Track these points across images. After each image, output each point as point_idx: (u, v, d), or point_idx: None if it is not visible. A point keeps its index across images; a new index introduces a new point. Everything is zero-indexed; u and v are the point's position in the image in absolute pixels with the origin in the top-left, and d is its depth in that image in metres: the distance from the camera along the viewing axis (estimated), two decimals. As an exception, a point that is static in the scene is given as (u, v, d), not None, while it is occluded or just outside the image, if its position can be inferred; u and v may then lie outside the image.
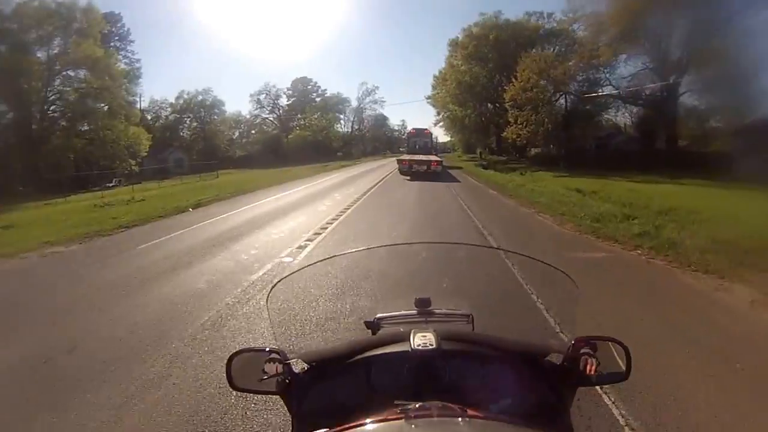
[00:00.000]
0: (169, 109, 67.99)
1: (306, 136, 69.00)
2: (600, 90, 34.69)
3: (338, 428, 0.87)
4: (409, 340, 1.14)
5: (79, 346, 4.61)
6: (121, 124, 41.11)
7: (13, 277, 8.21)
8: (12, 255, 9.71)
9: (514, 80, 35.41)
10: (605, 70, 34.22)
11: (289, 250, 8.73)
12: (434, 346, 1.12)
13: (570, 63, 34.32)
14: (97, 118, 40.00)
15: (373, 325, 1.50)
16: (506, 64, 45.10)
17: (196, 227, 12.13)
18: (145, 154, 43.58)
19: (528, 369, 1.16)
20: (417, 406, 0.85)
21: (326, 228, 11.05)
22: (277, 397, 1.20)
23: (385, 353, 1.19)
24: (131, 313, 5.54)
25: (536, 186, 18.53)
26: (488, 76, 45.81)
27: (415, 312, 1.45)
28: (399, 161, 28.39)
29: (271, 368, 1.14)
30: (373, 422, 0.86)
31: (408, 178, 25.53)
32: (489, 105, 49.82)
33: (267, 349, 1.18)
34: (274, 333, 1.62)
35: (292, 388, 1.18)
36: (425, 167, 26.21)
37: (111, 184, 37.92)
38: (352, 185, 22.70)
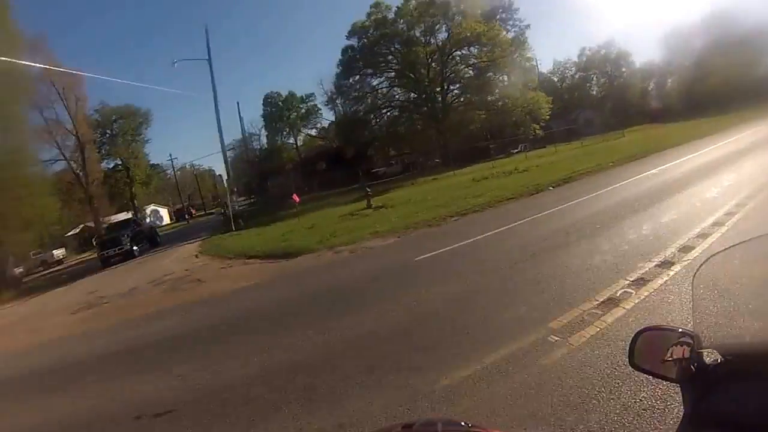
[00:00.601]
0: (573, 69, 66.91)
1: (739, 76, 49.93)
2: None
3: None
4: None
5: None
6: (518, 91, 41.91)
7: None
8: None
9: None
10: None
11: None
12: None
13: None
14: (491, 89, 41.97)
15: None
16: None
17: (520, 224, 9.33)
18: (548, 117, 42.91)
19: None
20: (421, 420, 0.82)
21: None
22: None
23: None
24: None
25: None
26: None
27: None
28: None
29: (678, 351, 1.04)
30: None
31: None
32: None
33: (680, 330, 1.09)
34: (693, 315, 1.27)
35: (694, 379, 1.03)
36: None
37: (516, 150, 40.30)
38: None
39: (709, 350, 1.05)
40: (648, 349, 1.11)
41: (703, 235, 5.86)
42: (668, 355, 1.05)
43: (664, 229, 6.58)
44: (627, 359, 1.14)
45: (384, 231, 11.30)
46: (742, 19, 62.06)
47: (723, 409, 0.97)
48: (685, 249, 5.46)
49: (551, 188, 13.52)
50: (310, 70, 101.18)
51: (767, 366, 0.96)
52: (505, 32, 46.04)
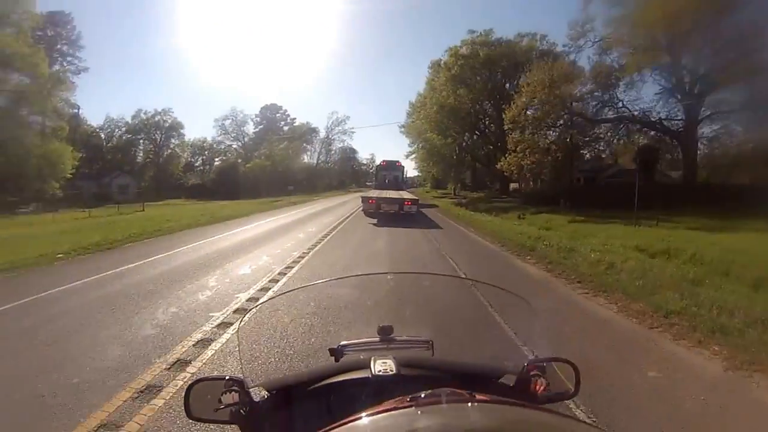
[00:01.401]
0: (123, 129, 63.63)
1: (265, 166, 63.01)
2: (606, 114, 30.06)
3: (348, 419, 0.84)
4: (370, 367, 1.21)
5: None
6: (37, 136, 34.29)
7: None
8: None
9: (514, 99, 29.94)
10: (618, 91, 29.16)
11: None
12: (393, 372, 1.19)
13: (580, 78, 29.09)
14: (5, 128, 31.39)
15: (337, 352, 1.44)
16: (496, 87, 41.23)
17: None
18: (70, 174, 36.15)
19: (483, 391, 1.07)
20: (426, 393, 0.85)
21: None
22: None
23: (346, 380, 1.23)
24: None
25: (573, 243, 12.05)
26: (475, 99, 41.06)
27: (377, 339, 1.44)
28: (364, 199, 21.32)
29: (228, 398, 1.14)
30: (383, 411, 0.84)
31: (374, 222, 19.47)
32: (471, 135, 45.48)
33: (226, 377, 1.18)
34: (241, 361, 1.60)
35: (250, 417, 1.17)
36: (396, 207, 20.06)
37: (25, 210, 31.50)
38: (287, 236, 14.95)
39: (256, 389, 1.23)
40: (202, 399, 1.16)
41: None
42: (221, 401, 1.13)
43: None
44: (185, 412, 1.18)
45: None
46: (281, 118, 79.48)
47: None
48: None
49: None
50: None
51: (300, 393, 1.23)
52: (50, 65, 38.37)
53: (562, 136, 28.12)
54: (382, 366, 1.22)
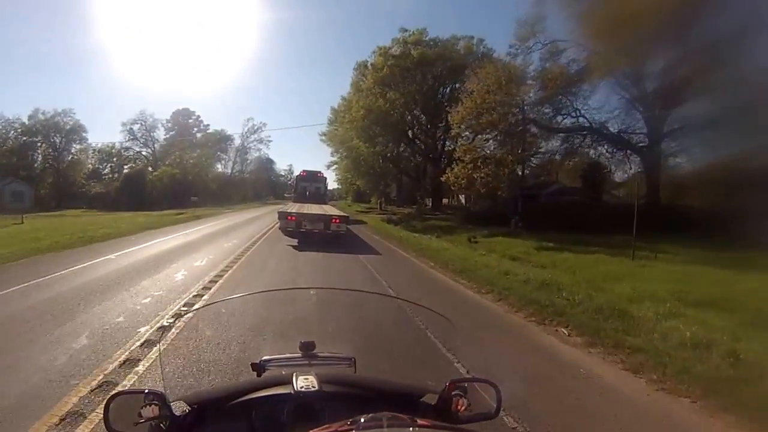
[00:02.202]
0: (19, 130, 54.21)
1: (174, 175, 55.35)
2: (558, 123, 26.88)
3: None
4: (292, 383, 1.19)
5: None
6: None
7: None
8: None
9: (461, 101, 25.52)
10: (575, 100, 26.05)
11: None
12: (316, 389, 1.17)
13: (533, 83, 25.36)
14: None
15: (259, 367, 1.45)
16: (428, 93, 37.53)
17: None
18: None
19: (405, 409, 1.08)
20: (367, 417, 0.83)
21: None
22: None
23: (268, 395, 1.21)
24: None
25: (603, 296, 7.62)
26: (406, 105, 36.74)
27: (299, 355, 1.44)
28: (282, 215, 16.01)
29: (148, 412, 1.10)
30: None
31: (294, 243, 14.58)
32: (399, 144, 41.15)
33: (146, 391, 1.14)
34: (162, 375, 1.68)
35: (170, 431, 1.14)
36: (321, 226, 15.36)
37: None
38: (167, 272, 9.51)
39: (177, 402, 1.16)
40: (122, 413, 1.13)
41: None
42: (141, 415, 1.09)
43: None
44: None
45: None
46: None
47: None
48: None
49: None
50: None
51: (221, 408, 1.19)
52: None
53: (516, 146, 24.02)
54: (304, 382, 1.20)
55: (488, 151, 24.71)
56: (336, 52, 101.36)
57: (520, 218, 23.13)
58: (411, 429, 0.81)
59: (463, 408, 1.17)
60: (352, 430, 0.80)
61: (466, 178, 23.05)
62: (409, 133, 40.28)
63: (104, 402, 1.14)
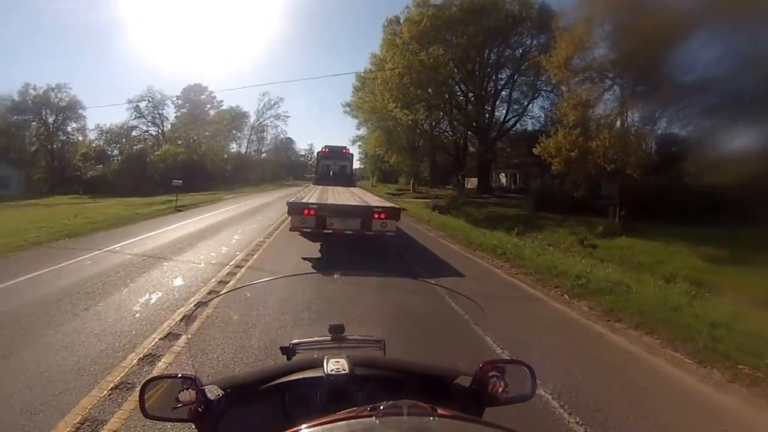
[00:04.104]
0: (10, 108, 48.82)
1: (179, 154, 48.97)
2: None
3: (309, 424, 0.82)
4: (323, 366, 1.18)
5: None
6: None
7: None
8: None
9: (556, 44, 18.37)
10: None
11: None
12: (347, 372, 1.16)
13: None
14: None
15: (289, 351, 1.44)
16: (479, 50, 31.06)
17: None
18: None
19: (438, 392, 1.17)
20: (388, 404, 0.83)
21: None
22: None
23: (299, 379, 1.21)
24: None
25: None
26: (454, 62, 30.22)
27: (329, 338, 1.43)
28: (294, 207, 9.14)
29: (185, 396, 1.11)
30: (343, 419, 0.82)
31: (313, 256, 9.01)
32: (446, 111, 34.50)
33: (180, 375, 1.15)
34: (191, 359, 1.66)
35: (206, 415, 1.14)
36: (358, 224, 8.99)
37: None
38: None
39: (211, 386, 1.16)
40: (158, 398, 1.14)
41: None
42: (177, 399, 1.10)
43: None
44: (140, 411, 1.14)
45: None
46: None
47: None
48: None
49: None
50: None
51: (254, 391, 1.20)
52: None
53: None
54: (335, 365, 1.18)
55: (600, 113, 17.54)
56: (356, 29, 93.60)
57: (621, 206, 16.97)
58: (431, 418, 0.80)
59: (501, 390, 1.15)
60: (372, 415, 0.79)
61: (579, 148, 16.25)
62: (454, 98, 33.75)
63: (139, 388, 1.12)
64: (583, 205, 19.24)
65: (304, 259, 8.81)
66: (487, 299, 6.46)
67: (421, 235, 13.54)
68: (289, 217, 9.44)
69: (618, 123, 16.69)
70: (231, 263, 8.29)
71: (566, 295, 6.86)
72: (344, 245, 8.85)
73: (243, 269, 7.84)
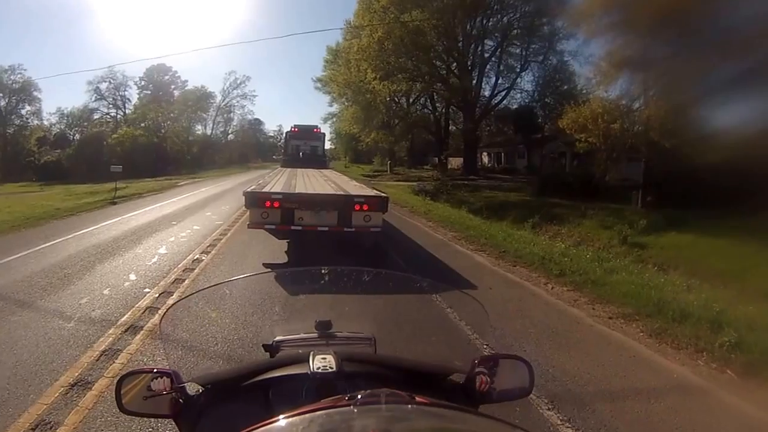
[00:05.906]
0: None
1: (137, 136, 45.51)
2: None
3: (287, 414, 0.81)
4: (309, 363, 1.13)
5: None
6: None
7: None
8: None
9: None
10: None
11: None
12: (335, 369, 1.11)
13: None
14: None
15: (272, 348, 1.36)
16: (465, 17, 27.83)
17: None
18: None
19: (430, 390, 1.10)
20: (365, 393, 0.82)
21: None
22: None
23: (284, 375, 1.17)
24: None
25: None
26: (437, 28, 26.83)
27: (315, 335, 1.35)
28: (252, 198, 6.76)
29: (158, 384, 1.07)
30: (320, 409, 0.81)
31: (277, 260, 6.75)
32: (427, 83, 30.64)
33: (156, 369, 1.12)
34: (167, 356, 1.43)
35: (185, 411, 1.11)
36: (335, 218, 6.81)
37: None
38: None
39: (190, 383, 1.13)
40: (134, 393, 1.10)
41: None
42: (153, 394, 1.07)
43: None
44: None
45: None
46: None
47: (211, 430, 1.08)
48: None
49: None
50: None
51: (233, 388, 1.15)
52: None
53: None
54: (322, 362, 1.12)
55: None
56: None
57: (649, 191, 14.24)
58: (409, 406, 0.80)
59: (487, 387, 1.12)
60: (349, 405, 0.79)
61: (620, 119, 13.07)
62: (438, 70, 30.35)
63: (115, 383, 1.09)
64: (596, 188, 16.64)
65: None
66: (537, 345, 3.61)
67: (424, 235, 10.35)
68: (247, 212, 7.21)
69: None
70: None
71: (729, 371, 3.88)
72: (318, 245, 6.82)
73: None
